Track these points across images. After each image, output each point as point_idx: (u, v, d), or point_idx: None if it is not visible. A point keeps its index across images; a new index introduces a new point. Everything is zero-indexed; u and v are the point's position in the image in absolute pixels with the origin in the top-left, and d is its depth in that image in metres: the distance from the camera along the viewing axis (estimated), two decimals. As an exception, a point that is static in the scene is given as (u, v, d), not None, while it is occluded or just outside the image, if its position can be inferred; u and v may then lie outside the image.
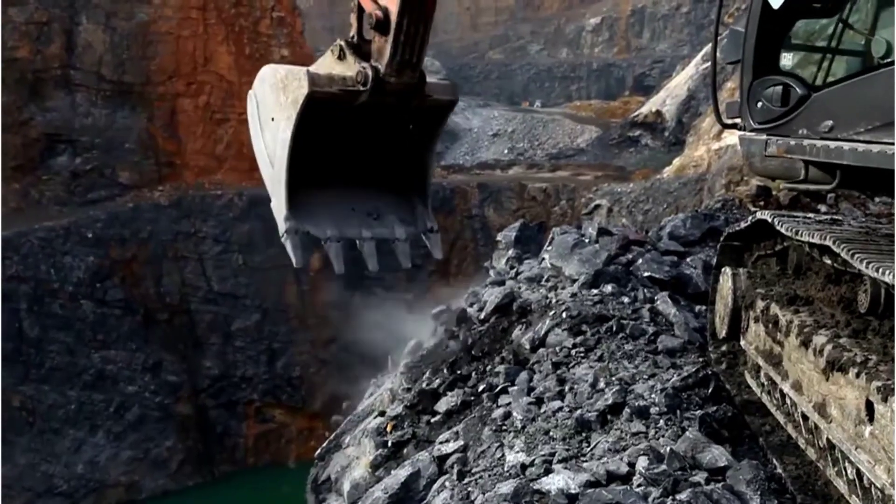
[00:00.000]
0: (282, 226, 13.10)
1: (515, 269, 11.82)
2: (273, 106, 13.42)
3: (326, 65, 13.63)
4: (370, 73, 12.77)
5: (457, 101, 14.88)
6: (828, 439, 4.73)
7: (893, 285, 3.92)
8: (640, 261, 10.64)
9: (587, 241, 11.14)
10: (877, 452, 4.01)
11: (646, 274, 10.32)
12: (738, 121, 6.12)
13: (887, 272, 3.89)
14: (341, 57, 13.51)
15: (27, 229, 39.14)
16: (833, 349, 4.54)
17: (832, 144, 5.23)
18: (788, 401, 5.44)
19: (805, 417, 5.11)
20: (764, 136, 5.66)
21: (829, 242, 4.59)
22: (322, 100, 12.77)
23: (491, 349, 10.35)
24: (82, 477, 38.87)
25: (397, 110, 13.52)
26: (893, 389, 3.82)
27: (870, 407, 4.07)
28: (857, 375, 4.19)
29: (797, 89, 5.65)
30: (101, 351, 39.95)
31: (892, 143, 4.58)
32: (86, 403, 39.34)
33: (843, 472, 4.57)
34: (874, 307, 4.44)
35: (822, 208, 13.90)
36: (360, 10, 13.55)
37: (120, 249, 41.08)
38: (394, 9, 12.50)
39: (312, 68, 12.82)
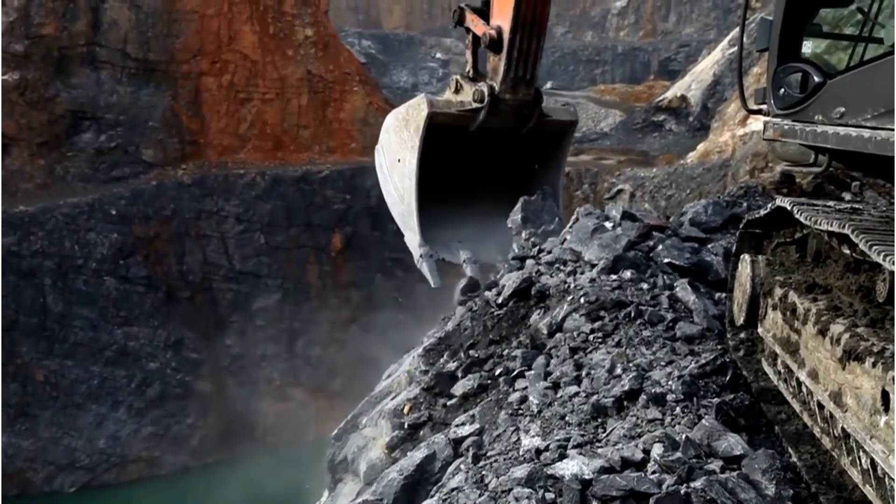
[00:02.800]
0: (416, 252, 13.39)
1: (538, 247, 11.73)
2: (398, 146, 13.90)
3: (445, 98, 14.07)
4: (486, 90, 13.05)
5: (577, 121, 15.19)
6: (843, 428, 4.70)
7: (893, 272, 3.89)
8: (661, 247, 10.59)
9: (609, 226, 11.10)
10: (891, 442, 4.00)
11: (665, 260, 10.27)
12: (763, 107, 6.15)
13: None
14: (457, 90, 13.90)
15: (52, 205, 39.53)
16: (850, 338, 4.51)
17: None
18: (804, 389, 5.41)
19: (820, 406, 5.08)
20: (784, 122, 5.69)
21: (847, 231, 4.56)
22: (442, 124, 13.15)
23: (509, 333, 10.36)
24: (104, 451, 39.37)
25: (517, 133, 13.80)
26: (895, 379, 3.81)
27: (885, 397, 4.05)
28: (874, 365, 4.17)
29: (814, 76, 5.70)
30: (124, 327, 40.38)
31: (888, 130, 4.65)
32: (108, 379, 39.81)
33: (858, 462, 4.55)
34: (892, 296, 4.42)
35: (847, 196, 13.75)
36: (475, 45, 13.86)
37: (143, 227, 41.44)
38: (506, 27, 12.71)
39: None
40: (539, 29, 12.57)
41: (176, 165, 43.87)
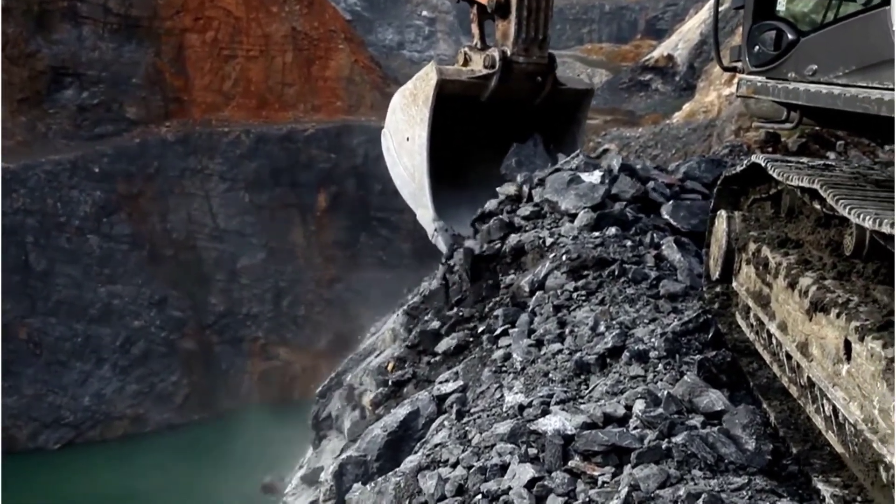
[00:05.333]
0: (430, 228, 13.07)
1: (526, 186, 11.54)
2: (406, 125, 13.47)
3: (454, 67, 13.62)
4: (497, 54, 12.68)
5: (593, 90, 14.75)
6: (808, 378, 4.86)
7: (894, 235, 3.99)
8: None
9: (586, 177, 11.04)
10: (852, 390, 4.15)
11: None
12: (738, 64, 6.24)
13: (867, 217, 3.99)
14: (466, 62, 13.48)
15: (34, 162, 39.14)
16: (817, 290, 4.64)
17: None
18: (774, 341, 5.56)
19: (789, 357, 5.23)
20: (758, 79, 5.78)
21: (816, 186, 4.67)
22: (452, 94, 12.73)
23: (490, 294, 10.45)
24: (88, 409, 39.41)
25: (530, 104, 13.37)
26: (870, 329, 3.94)
27: (847, 346, 4.19)
28: (838, 316, 4.30)
29: (788, 34, 5.77)
30: (108, 285, 40.21)
31: (868, 87, 4.73)
32: (92, 337, 39.72)
33: (822, 410, 4.70)
34: (859, 250, 4.55)
35: (832, 155, 13.88)
36: (481, 16, 13.46)
37: (126, 185, 41.12)
38: None
39: None
40: None
41: (159, 123, 43.40)
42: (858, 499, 4.25)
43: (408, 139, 12.96)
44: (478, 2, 12.95)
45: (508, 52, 12.37)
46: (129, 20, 42.80)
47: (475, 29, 13.31)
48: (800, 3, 6.12)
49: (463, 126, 12.91)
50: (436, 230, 12.71)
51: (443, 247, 12.67)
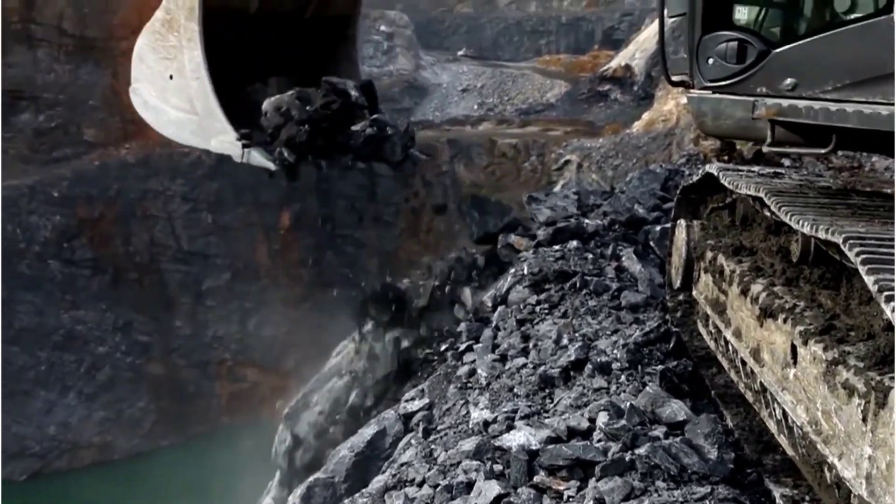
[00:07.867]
0: (236, 148, 12.02)
1: None
2: (164, 63, 12.10)
3: None
4: None
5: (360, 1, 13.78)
6: (761, 383, 4.90)
7: (832, 240, 3.99)
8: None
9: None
10: (798, 393, 4.20)
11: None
12: (685, 78, 5.97)
13: (805, 223, 4.04)
14: None
15: (-9, 188, 38.61)
16: (767, 296, 4.70)
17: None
18: (731, 347, 5.61)
19: (744, 363, 5.27)
20: (715, 95, 5.52)
21: (762, 195, 4.71)
22: (217, 4, 11.33)
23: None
24: (54, 438, 38.78)
25: (301, 16, 12.37)
26: (813, 333, 4.01)
27: (794, 350, 4.24)
28: (785, 321, 4.36)
29: (754, 45, 5.44)
30: (71, 311, 39.66)
31: (866, 102, 4.56)
32: (56, 364, 39.12)
33: (773, 414, 4.76)
34: (805, 256, 4.58)
35: (787, 163, 14.03)
36: None
37: (87, 208, 40.60)
38: None
39: None
40: None
41: (119, 145, 42.91)
42: (807, 498, 4.31)
43: (171, 76, 11.83)
44: None
45: None
46: (84, 41, 42.36)
47: None
48: (764, 13, 5.81)
49: (234, 47, 11.76)
50: (244, 146, 11.99)
51: (261, 161, 11.92)
